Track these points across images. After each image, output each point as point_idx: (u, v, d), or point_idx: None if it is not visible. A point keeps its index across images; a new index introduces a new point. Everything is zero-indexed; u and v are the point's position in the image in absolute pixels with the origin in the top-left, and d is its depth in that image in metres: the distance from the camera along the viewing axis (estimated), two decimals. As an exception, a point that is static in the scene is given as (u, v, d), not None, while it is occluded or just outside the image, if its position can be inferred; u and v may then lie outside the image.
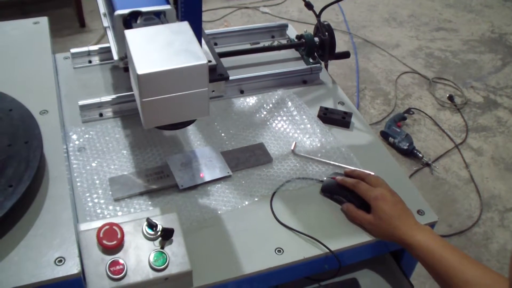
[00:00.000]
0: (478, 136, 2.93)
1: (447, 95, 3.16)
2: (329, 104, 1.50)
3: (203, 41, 1.41)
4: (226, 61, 1.52)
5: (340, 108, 1.49)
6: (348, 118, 1.44)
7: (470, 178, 2.66)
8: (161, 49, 1.00)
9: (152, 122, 1.02)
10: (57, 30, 3.38)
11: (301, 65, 1.62)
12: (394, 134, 2.78)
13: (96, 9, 1.40)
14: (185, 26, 1.06)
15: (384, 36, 3.59)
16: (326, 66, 1.64)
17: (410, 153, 2.75)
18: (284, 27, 1.77)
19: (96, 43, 3.33)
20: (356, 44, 3.52)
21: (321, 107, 1.46)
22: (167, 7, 1.17)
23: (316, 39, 1.62)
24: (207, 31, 1.64)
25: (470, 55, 3.56)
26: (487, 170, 2.72)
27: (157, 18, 1.14)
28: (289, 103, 1.46)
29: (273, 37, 1.76)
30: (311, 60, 1.63)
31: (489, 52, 3.63)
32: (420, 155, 2.73)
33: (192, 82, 0.99)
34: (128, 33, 1.04)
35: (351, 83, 3.16)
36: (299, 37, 1.68)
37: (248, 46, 1.71)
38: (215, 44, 1.68)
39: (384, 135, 2.82)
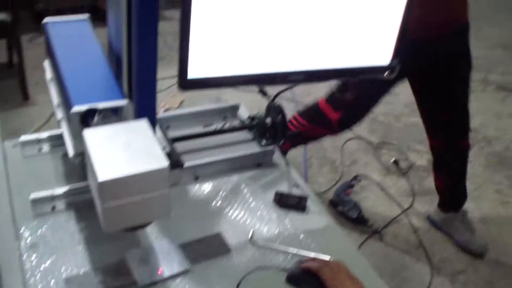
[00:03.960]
0: (424, 200, 3.01)
1: (392, 160, 3.24)
2: (284, 187, 1.52)
3: (157, 127, 1.43)
4: (180, 146, 1.53)
5: (295, 191, 1.51)
6: (303, 202, 1.47)
7: (419, 243, 2.72)
8: (121, 151, 1.01)
9: (113, 227, 1.02)
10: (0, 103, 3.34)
11: (254, 148, 1.65)
12: (343, 202, 2.83)
13: (41, 81, 1.39)
14: (143, 124, 1.08)
15: (329, 103, 3.67)
16: (278, 147, 1.67)
17: (360, 221, 2.79)
18: (236, 108, 1.80)
19: (45, 124, 3.29)
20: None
21: (276, 192, 1.48)
22: (123, 102, 1.19)
23: (268, 120, 1.65)
24: (159, 116, 1.65)
25: (412, 118, 3.68)
26: (435, 234, 2.78)
27: (114, 114, 1.15)
28: (245, 190, 1.48)
29: (225, 118, 1.78)
30: (263, 142, 1.65)
31: (430, 115, 3.73)
32: (370, 222, 2.78)
33: (154, 185, 1.00)
34: (87, 133, 1.05)
35: (298, 152, 3.21)
36: (251, 118, 1.71)
37: (201, 129, 1.72)
38: (168, 127, 1.69)
39: (333, 204, 2.86)
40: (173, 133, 1.63)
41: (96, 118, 1.14)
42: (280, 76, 1.28)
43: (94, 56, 1.36)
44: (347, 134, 3.44)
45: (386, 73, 1.39)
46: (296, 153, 3.22)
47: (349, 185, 2.99)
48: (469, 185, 3.05)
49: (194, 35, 1.16)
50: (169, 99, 3.70)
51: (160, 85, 3.02)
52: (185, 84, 1.23)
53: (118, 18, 1.23)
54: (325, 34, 1.29)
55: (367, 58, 1.37)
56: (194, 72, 1.22)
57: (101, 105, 1.15)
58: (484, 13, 5.70)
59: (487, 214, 2.94)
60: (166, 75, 3.55)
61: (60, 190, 1.37)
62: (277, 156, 1.63)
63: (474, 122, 3.67)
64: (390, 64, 1.39)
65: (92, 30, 1.51)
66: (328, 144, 3.36)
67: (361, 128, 3.51)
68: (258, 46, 1.25)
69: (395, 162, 3.23)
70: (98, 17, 1.88)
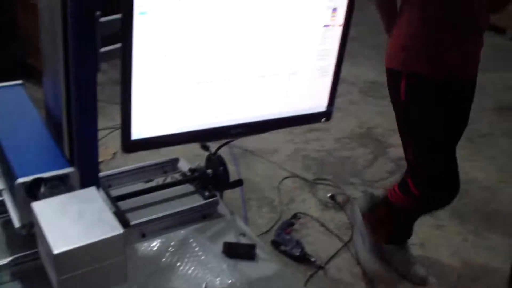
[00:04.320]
0: (363, 232, 3.06)
1: (329, 195, 3.30)
2: (231, 237, 1.55)
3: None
4: (123, 204, 1.54)
5: (243, 239, 1.54)
6: (252, 251, 1.49)
7: (363, 274, 2.77)
8: (73, 221, 1.01)
9: (70, 298, 1.02)
10: None
11: (198, 200, 1.66)
12: (285, 241, 2.86)
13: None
14: (92, 192, 1.09)
15: (262, 143, 3.73)
16: (221, 196, 1.70)
17: (303, 259, 2.82)
18: (175, 161, 1.82)
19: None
20: (236, 155, 3.63)
21: (224, 243, 1.50)
22: (69, 170, 1.19)
23: (209, 171, 1.67)
24: (100, 174, 1.65)
25: (344, 152, 3.77)
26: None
27: (61, 182, 1.15)
28: (193, 243, 1.50)
29: (165, 172, 1.80)
30: (206, 194, 1.67)
31: (360, 147, 3.88)
32: (313, 259, 2.81)
33: (110, 253, 1.00)
34: (37, 206, 1.05)
35: (236, 195, 3.23)
36: (192, 170, 1.73)
37: (142, 185, 1.73)
38: (109, 186, 1.69)
39: (275, 244, 2.89)
40: (115, 192, 1.63)
41: (42, 189, 1.13)
42: (223, 131, 1.31)
43: (33, 123, 1.36)
44: (282, 173, 3.50)
45: (323, 119, 1.44)
46: (234, 195, 3.24)
47: (289, 224, 3.03)
48: None
49: (136, 95, 1.18)
50: (102, 151, 3.66)
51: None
52: (129, 146, 1.24)
53: (56, 82, 1.24)
54: (262, 86, 1.34)
55: (304, 106, 1.42)
56: (137, 132, 1.23)
57: (47, 174, 1.15)
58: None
59: (424, 239, 3.03)
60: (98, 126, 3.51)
61: (4, 260, 1.33)
62: (221, 206, 1.65)
63: (402, 151, 3.81)
64: (327, 110, 1.44)
65: (27, 96, 1.50)
66: (265, 184, 3.39)
67: (295, 166, 3.58)
68: (200, 102, 1.28)
69: (332, 197, 3.29)
70: (28, 74, 1.86)
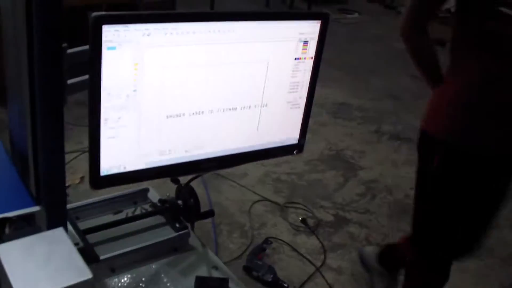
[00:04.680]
0: (335, 255, 3.05)
1: (300, 219, 3.28)
2: (203, 270, 1.52)
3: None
4: (92, 237, 1.50)
5: (215, 273, 1.51)
6: (225, 285, 1.47)
7: (333, 300, 2.75)
8: (40, 265, 0.98)
9: None
10: None
11: (169, 232, 1.63)
12: (257, 267, 2.83)
13: None
14: (60, 233, 1.05)
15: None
16: (192, 228, 1.67)
17: (275, 284, 2.79)
18: (145, 191, 1.79)
19: None
20: (206, 178, 3.60)
21: (197, 277, 1.48)
22: (35, 208, 1.16)
23: (180, 201, 1.65)
24: (67, 206, 1.61)
25: (314, 175, 3.76)
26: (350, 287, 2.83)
27: (27, 224, 1.12)
28: (165, 278, 1.47)
29: (135, 203, 1.76)
30: (177, 225, 1.64)
31: (331, 170, 3.87)
32: (286, 284, 2.78)
33: (78, 297, 0.97)
34: (1, 250, 1.01)
35: (207, 220, 3.19)
36: (162, 201, 1.70)
37: (111, 216, 1.69)
38: (77, 218, 1.65)
39: (247, 270, 2.85)
40: (84, 224, 1.59)
41: (7, 230, 1.10)
42: (194, 165, 1.29)
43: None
44: (252, 197, 3.47)
45: (295, 151, 1.43)
46: (204, 221, 3.20)
47: (261, 249, 2.99)
48: (377, 236, 3.20)
49: (105, 130, 1.15)
50: (70, 176, 3.60)
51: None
52: (99, 182, 1.21)
53: (20, 112, 1.21)
54: (233, 119, 1.32)
55: (276, 139, 1.40)
56: (107, 168, 1.21)
57: (12, 214, 1.12)
58: (367, 67, 5.98)
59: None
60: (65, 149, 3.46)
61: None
62: (192, 238, 1.63)
63: (374, 173, 3.85)
64: (299, 143, 1.43)
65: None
66: (236, 208, 3.36)
67: (266, 189, 3.56)
68: (170, 136, 1.26)
69: (303, 220, 3.27)
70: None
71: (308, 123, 1.44)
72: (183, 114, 1.25)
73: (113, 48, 1.08)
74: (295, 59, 1.34)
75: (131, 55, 1.11)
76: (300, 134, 1.44)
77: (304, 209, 3.42)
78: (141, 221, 1.67)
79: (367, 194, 3.59)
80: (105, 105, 1.13)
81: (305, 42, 1.33)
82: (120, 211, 1.72)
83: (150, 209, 1.73)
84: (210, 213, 1.72)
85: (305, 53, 1.34)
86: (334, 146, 4.19)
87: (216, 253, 2.98)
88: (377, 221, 3.33)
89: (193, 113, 1.26)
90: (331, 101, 4.87)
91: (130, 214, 1.71)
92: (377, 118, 4.71)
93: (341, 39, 6.75)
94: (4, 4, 1.23)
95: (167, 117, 1.23)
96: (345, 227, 3.29)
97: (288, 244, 3.10)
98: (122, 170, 1.23)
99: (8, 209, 1.13)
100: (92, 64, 1.08)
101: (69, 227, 1.45)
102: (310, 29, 1.33)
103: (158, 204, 1.72)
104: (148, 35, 1.11)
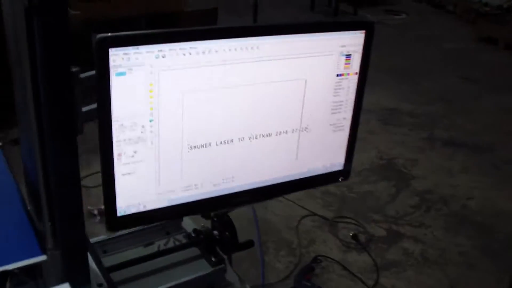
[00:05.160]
0: (389, 274, 2.87)
1: (351, 234, 3.10)
2: (241, 310, 1.36)
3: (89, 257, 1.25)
4: (119, 275, 1.38)
5: (254, 314, 1.35)
6: (265, 329, 1.30)
7: (390, 324, 2.57)
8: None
9: None
10: None
11: (204, 266, 1.50)
12: (306, 289, 2.67)
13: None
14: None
15: (278, 180, 3.55)
16: (230, 261, 1.53)
17: (325, 307, 2.62)
18: (179, 220, 1.64)
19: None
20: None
21: (233, 320, 1.32)
22: (42, 258, 1.01)
23: (216, 232, 1.50)
24: (92, 240, 1.49)
25: (365, 186, 3.58)
26: (406, 310, 2.64)
27: (31, 279, 0.97)
28: (199, 323, 1.31)
29: (168, 233, 1.62)
30: (213, 259, 1.49)
31: (382, 180, 3.67)
32: (336, 307, 2.61)
33: None
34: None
35: (251, 236, 3.04)
36: (197, 232, 1.56)
37: (141, 249, 1.56)
38: (105, 252, 1.52)
39: (295, 292, 2.69)
40: (110, 260, 1.46)
41: (8, 285, 0.95)
42: (223, 200, 1.14)
43: (6, 194, 1.18)
44: (300, 211, 3.30)
45: (340, 178, 1.26)
46: (250, 237, 3.05)
47: (309, 268, 2.82)
48: (433, 251, 2.97)
49: (119, 164, 1.01)
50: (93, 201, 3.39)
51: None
52: (115, 224, 1.07)
53: (29, 144, 1.07)
54: (268, 147, 1.16)
55: (318, 166, 1.24)
56: (124, 208, 1.06)
57: (14, 265, 0.97)
58: (418, 69, 5.74)
59: (455, 281, 2.81)
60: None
61: None
62: (229, 273, 1.48)
63: (428, 183, 3.63)
64: (344, 169, 1.27)
65: (4, 162, 1.33)
66: (282, 224, 3.20)
67: (314, 203, 3.39)
68: (194, 169, 1.11)
69: (354, 236, 3.09)
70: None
71: (354, 146, 1.27)
72: (209, 144, 1.09)
73: (123, 74, 0.94)
74: (337, 75, 1.18)
75: (144, 81, 0.96)
76: (345, 159, 1.27)
77: (355, 224, 3.23)
78: (173, 254, 1.52)
79: (421, 206, 3.39)
80: (118, 139, 0.98)
81: (348, 56, 1.17)
82: (152, 243, 1.58)
83: (184, 240, 1.59)
84: (249, 244, 1.58)
85: (348, 68, 1.19)
86: (385, 154, 3.99)
87: (263, 275, 2.83)
88: (433, 235, 3.12)
89: (220, 142, 1.11)
90: (380, 107, 4.67)
91: (162, 246, 1.57)
92: (429, 123, 4.48)
93: (389, 41, 6.52)
94: (6, 15, 1.09)
95: (191, 148, 1.08)
96: (399, 242, 3.08)
97: (338, 262, 2.93)
98: (141, 209, 1.08)
99: (11, 259, 0.98)
100: (100, 93, 0.94)
101: (93, 265, 1.31)
102: (353, 40, 1.17)
103: (193, 235, 1.57)
104: (163, 57, 0.96)
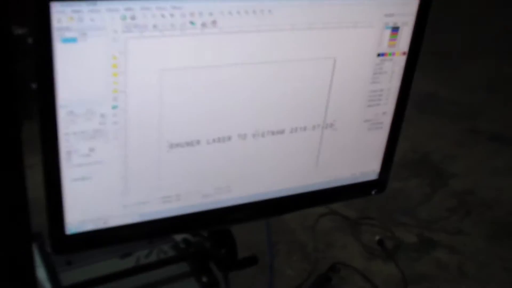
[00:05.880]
0: (419, 289, 2.73)
1: (376, 239, 2.98)
2: None
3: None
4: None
5: None
6: None
7: None
8: None
9: None
10: None
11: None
12: (320, 303, 2.53)
13: None
14: None
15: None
16: (226, 281, 1.39)
17: (342, 327, 2.48)
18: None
19: None
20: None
21: None
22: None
23: (209, 244, 1.36)
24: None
25: (395, 183, 3.42)
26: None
27: None
28: None
29: (150, 242, 1.46)
30: (204, 278, 1.33)
31: (415, 177, 3.56)
32: (355, 327, 2.47)
33: None
34: None
35: (260, 236, 2.88)
36: (186, 242, 1.39)
37: (117, 261, 1.41)
38: (69, 263, 1.35)
39: (308, 306, 2.56)
40: (73, 276, 1.29)
41: None
42: (218, 215, 0.96)
43: None
44: (318, 209, 3.17)
45: (373, 191, 1.07)
46: (258, 237, 2.90)
47: (326, 278, 2.71)
48: (473, 264, 2.86)
49: (69, 169, 0.80)
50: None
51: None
52: (63, 243, 0.86)
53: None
54: (280, 147, 0.96)
55: (345, 174, 1.05)
56: (76, 223, 0.85)
57: None
58: (460, 50, 5.61)
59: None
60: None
61: None
62: (225, 298, 1.30)
63: (469, 182, 3.53)
64: (379, 178, 1.08)
65: None
66: (297, 223, 3.09)
67: (335, 201, 3.23)
68: (175, 174, 0.91)
69: (380, 241, 2.96)
70: None
71: (394, 151, 1.10)
72: (197, 142, 0.89)
73: (73, 40, 0.72)
74: (379, 55, 0.99)
75: (104, 52, 0.75)
76: (381, 167, 1.09)
77: (381, 227, 3.09)
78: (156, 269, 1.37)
79: (460, 210, 3.27)
80: (66, 131, 0.77)
81: (395, 30, 0.98)
82: (130, 254, 1.42)
83: (170, 252, 1.43)
84: (252, 261, 1.40)
85: (394, 46, 0.99)
86: (420, 147, 3.86)
87: (271, 283, 2.69)
88: (473, 245, 2.99)
89: (213, 140, 0.90)
90: (416, 91, 4.41)
91: (142, 259, 1.42)
92: (473, 113, 4.36)
93: (430, 17, 6.31)
94: None
95: (171, 146, 0.87)
96: (432, 252, 2.96)
97: (360, 272, 2.79)
98: (101, 226, 0.88)
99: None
100: (39, 67, 0.72)
101: (45, 283, 1.12)
102: (403, 9, 0.98)
103: (182, 246, 1.40)
104: (132, 18, 0.74)
